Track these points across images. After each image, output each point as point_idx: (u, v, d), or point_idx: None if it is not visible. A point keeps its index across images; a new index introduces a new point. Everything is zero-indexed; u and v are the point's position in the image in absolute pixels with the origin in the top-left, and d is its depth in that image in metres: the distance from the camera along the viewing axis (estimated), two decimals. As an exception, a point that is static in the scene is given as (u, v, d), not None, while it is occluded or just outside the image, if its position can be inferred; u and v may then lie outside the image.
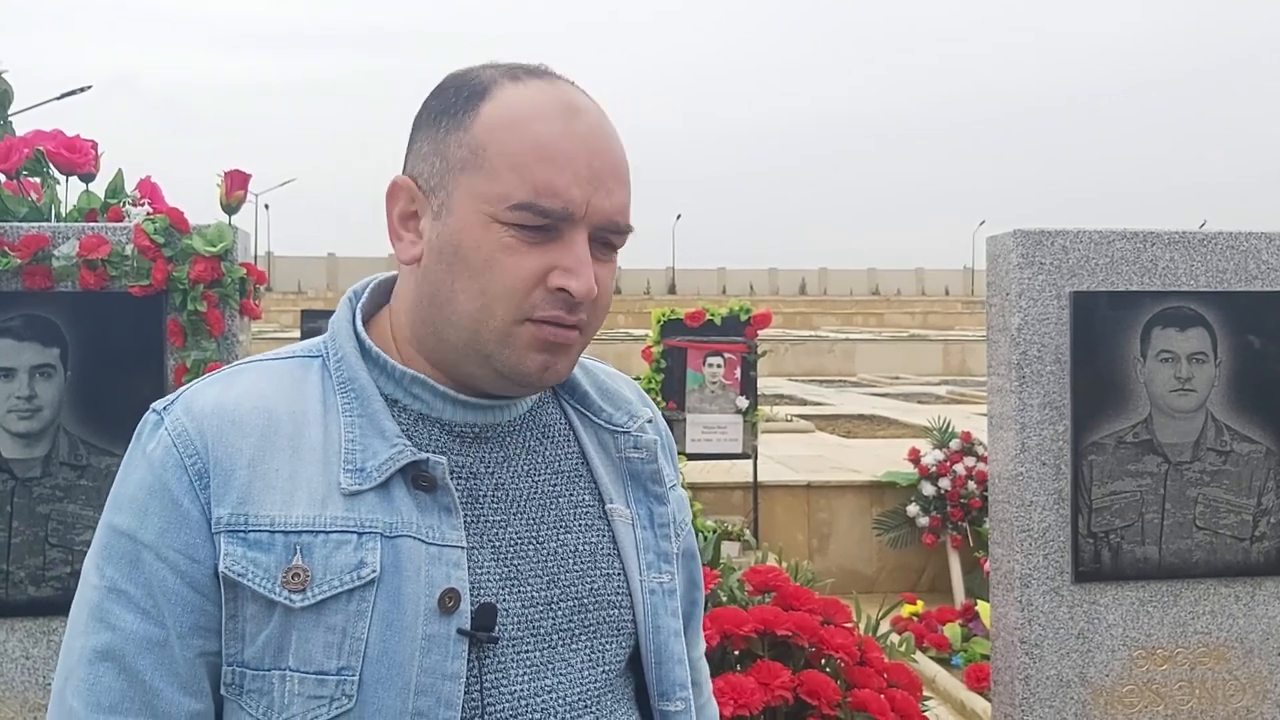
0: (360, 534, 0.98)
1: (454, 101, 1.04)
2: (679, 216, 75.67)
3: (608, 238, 1.05)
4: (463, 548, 1.01)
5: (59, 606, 2.44)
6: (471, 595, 1.00)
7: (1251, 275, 2.91)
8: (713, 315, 7.09)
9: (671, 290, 66.25)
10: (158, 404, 1.06)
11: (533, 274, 1.01)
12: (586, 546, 1.09)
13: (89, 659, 0.99)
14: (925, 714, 2.88)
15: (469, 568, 1.01)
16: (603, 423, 1.16)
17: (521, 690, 1.03)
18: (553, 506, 1.09)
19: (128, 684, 0.98)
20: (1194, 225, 2.99)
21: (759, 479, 7.42)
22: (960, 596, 6.84)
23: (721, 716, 2.46)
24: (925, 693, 3.17)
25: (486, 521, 1.05)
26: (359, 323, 1.09)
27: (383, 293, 1.14)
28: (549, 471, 1.11)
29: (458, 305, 1.02)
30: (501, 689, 1.01)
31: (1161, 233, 2.88)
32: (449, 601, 0.99)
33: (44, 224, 2.62)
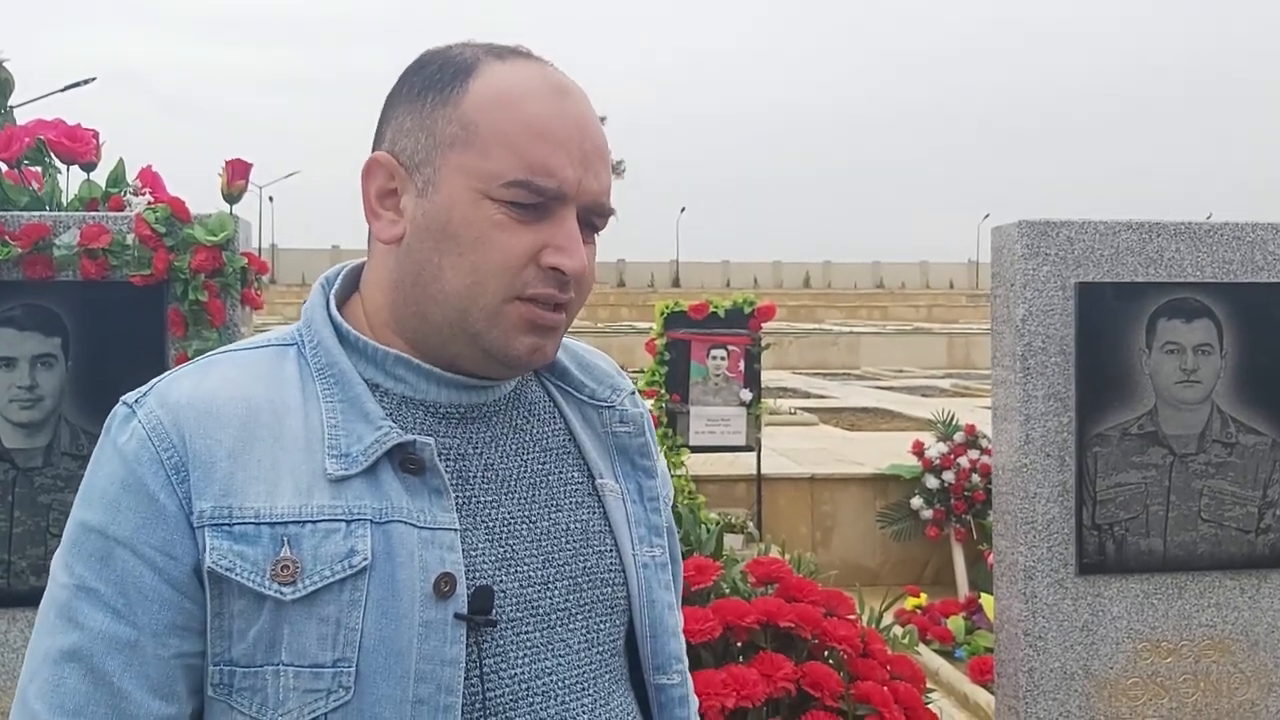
0: (349, 521, 0.96)
1: (439, 78, 1.02)
2: (683, 209, 75.69)
3: (592, 219, 1.04)
4: (455, 530, 0.99)
5: (60, 596, 2.44)
6: (467, 578, 0.99)
7: (1258, 266, 2.89)
8: (716, 308, 7.07)
9: (675, 283, 66.22)
10: (128, 396, 1.02)
11: (525, 251, 1.00)
12: (579, 524, 1.08)
13: (54, 659, 0.96)
14: (928, 706, 2.87)
15: (463, 550, 0.99)
16: (586, 398, 1.15)
17: (522, 673, 1.01)
18: (543, 485, 1.08)
19: (94, 686, 0.95)
20: (1200, 218, 2.97)
21: (762, 472, 7.41)
22: (964, 589, 6.83)
23: (724, 708, 2.46)
24: (928, 685, 3.16)
25: (478, 502, 1.03)
26: (333, 308, 1.07)
27: (354, 279, 1.11)
28: (537, 450, 1.09)
29: (445, 283, 1.00)
30: (502, 672, 1.00)
31: (1167, 224, 2.87)
32: (444, 586, 0.97)
33: (45, 213, 2.61)
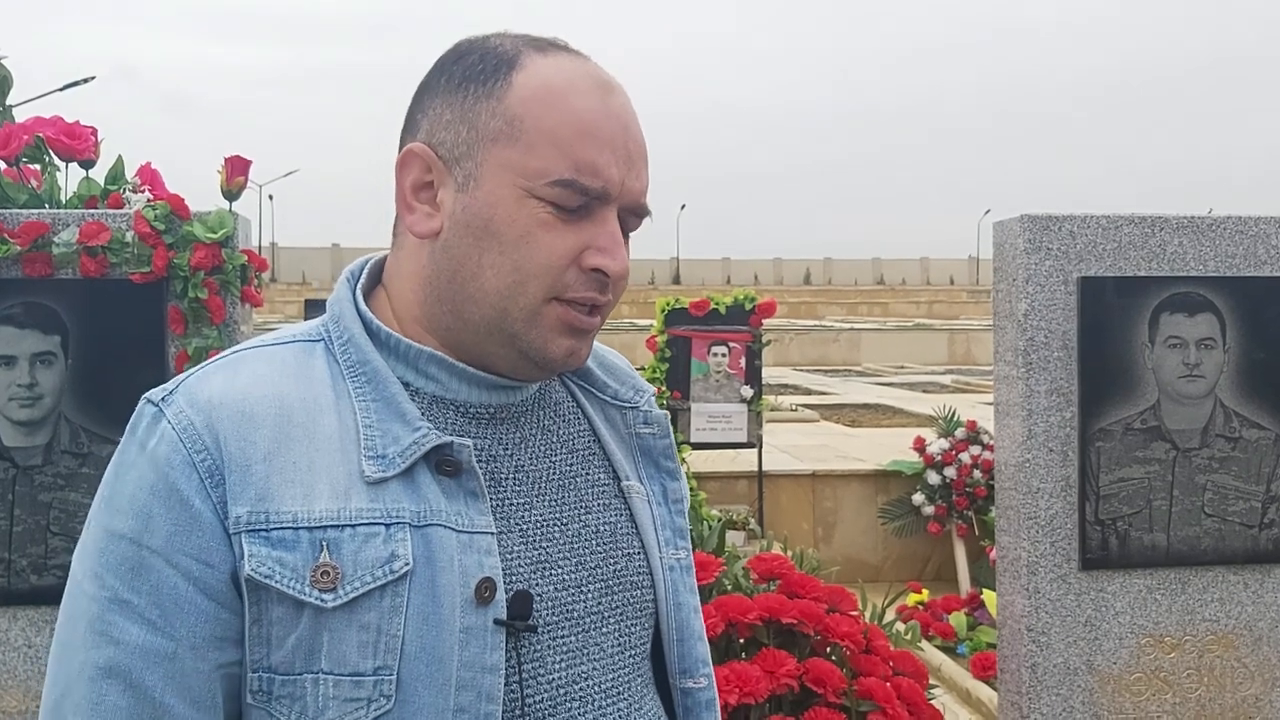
0: (389, 525, 0.93)
1: (481, 69, 0.99)
2: (684, 206, 75.69)
3: (630, 220, 1.02)
4: (493, 533, 0.97)
5: (61, 595, 2.43)
6: (505, 583, 0.97)
7: (1261, 260, 2.88)
8: (717, 304, 7.05)
9: (676, 280, 66.20)
10: (153, 394, 0.98)
11: (569, 252, 0.97)
12: (607, 526, 1.07)
13: (90, 676, 0.92)
14: (931, 702, 2.86)
15: (499, 554, 0.97)
16: (609, 399, 1.14)
17: (559, 678, 1.00)
18: (572, 487, 1.06)
19: (136, 702, 0.91)
20: (1201, 213, 2.96)
21: (764, 468, 7.41)
22: (966, 585, 6.82)
23: (727, 705, 2.46)
24: (931, 681, 3.15)
25: (511, 505, 1.01)
26: (362, 303, 1.04)
27: (378, 273, 1.08)
28: (564, 451, 1.08)
29: (484, 281, 0.98)
30: (540, 678, 0.98)
31: (1170, 217, 2.86)
32: (485, 591, 0.94)
33: (44, 211, 2.60)
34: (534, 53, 1.00)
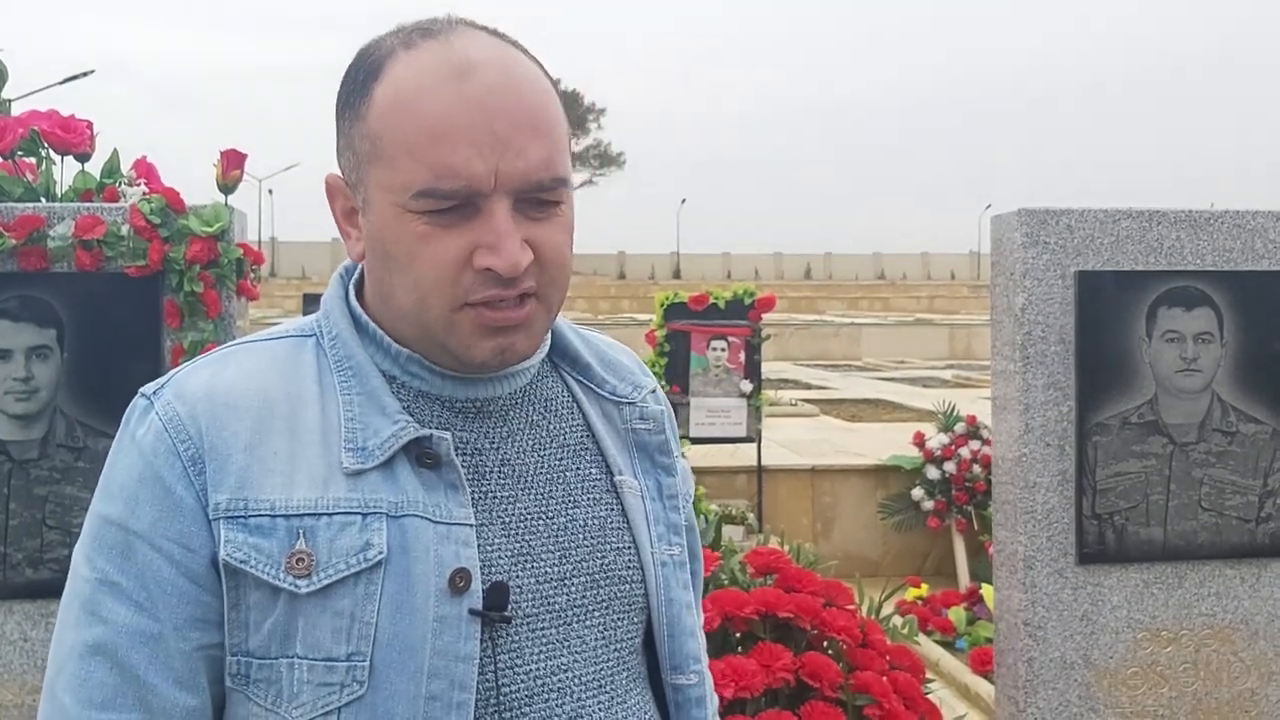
0: (365, 515, 0.96)
1: (353, 88, 1.00)
2: (684, 201, 75.73)
3: (535, 198, 0.97)
4: (471, 525, 0.99)
5: (57, 589, 2.42)
6: (482, 574, 0.98)
7: (1258, 254, 2.88)
8: (717, 299, 7.05)
9: (676, 275, 66.18)
10: (147, 388, 1.03)
11: (455, 258, 0.96)
12: (596, 520, 1.08)
13: (80, 654, 0.97)
14: (928, 697, 2.86)
15: (479, 545, 0.99)
16: (606, 394, 1.14)
17: (537, 669, 1.01)
18: (560, 480, 1.07)
19: (120, 679, 0.96)
20: (1202, 205, 2.96)
21: (763, 463, 7.41)
22: (965, 580, 6.83)
23: (723, 699, 2.46)
24: (929, 676, 3.16)
25: (494, 498, 1.03)
26: (352, 299, 1.07)
27: None
28: (554, 445, 1.09)
29: (399, 300, 1.00)
30: (517, 669, 1.00)
31: (1168, 211, 2.85)
32: (460, 581, 0.97)
33: (39, 204, 2.60)
34: (401, 52, 0.98)
